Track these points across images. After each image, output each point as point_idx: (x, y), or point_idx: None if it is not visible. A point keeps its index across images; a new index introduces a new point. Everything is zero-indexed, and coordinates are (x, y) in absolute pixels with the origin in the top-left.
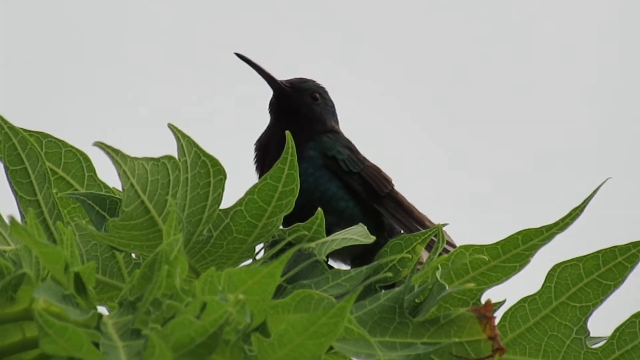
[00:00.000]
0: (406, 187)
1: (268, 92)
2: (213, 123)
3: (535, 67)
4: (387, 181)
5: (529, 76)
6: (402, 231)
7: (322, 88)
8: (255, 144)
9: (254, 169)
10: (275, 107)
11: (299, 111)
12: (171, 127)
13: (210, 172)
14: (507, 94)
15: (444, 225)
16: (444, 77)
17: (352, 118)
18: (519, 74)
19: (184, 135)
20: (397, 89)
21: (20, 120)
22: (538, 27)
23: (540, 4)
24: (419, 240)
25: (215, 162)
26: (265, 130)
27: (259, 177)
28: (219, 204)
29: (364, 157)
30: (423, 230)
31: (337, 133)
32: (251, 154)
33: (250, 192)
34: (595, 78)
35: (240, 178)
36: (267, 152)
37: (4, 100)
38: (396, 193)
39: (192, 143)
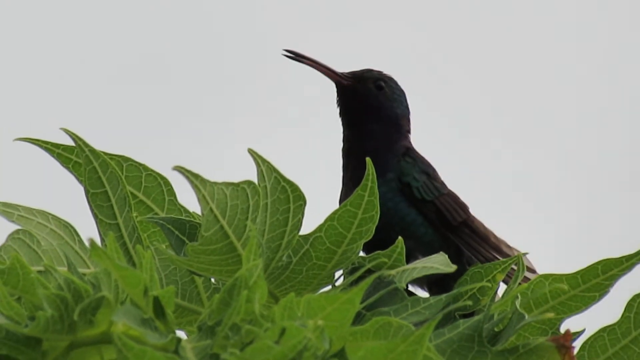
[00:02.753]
0: (486, 210)
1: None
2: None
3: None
4: (462, 209)
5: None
6: (477, 259)
7: (388, 76)
8: (341, 151)
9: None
10: (340, 104)
11: (365, 104)
12: (251, 152)
13: (290, 197)
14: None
15: (524, 254)
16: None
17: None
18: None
19: (264, 161)
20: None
21: (106, 143)
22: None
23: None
24: (499, 269)
25: (295, 188)
26: (343, 136)
27: (343, 192)
28: (299, 230)
29: (442, 184)
30: (503, 259)
31: (416, 156)
32: (330, 177)
33: (330, 218)
34: None
35: (321, 202)
36: (347, 162)
37: (91, 122)
38: (472, 220)
39: (272, 168)
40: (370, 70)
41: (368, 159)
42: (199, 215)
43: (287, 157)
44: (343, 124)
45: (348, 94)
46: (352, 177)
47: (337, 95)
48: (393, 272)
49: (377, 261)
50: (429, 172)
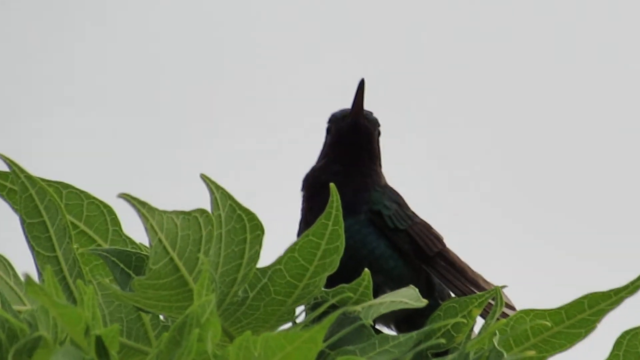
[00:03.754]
0: (460, 241)
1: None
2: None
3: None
4: (437, 239)
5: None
6: (452, 293)
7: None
8: (304, 181)
9: (301, 211)
10: (347, 138)
11: (367, 144)
12: (204, 178)
13: (246, 227)
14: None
15: (503, 287)
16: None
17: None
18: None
19: (218, 187)
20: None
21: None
22: None
23: None
24: (475, 304)
25: (252, 217)
26: (321, 166)
27: (306, 224)
28: (256, 262)
29: (413, 213)
30: (480, 293)
31: (384, 186)
32: (293, 206)
33: (290, 249)
34: None
35: (280, 232)
36: (319, 193)
37: (29, 147)
38: (447, 251)
39: (226, 195)
40: (372, 113)
41: (332, 185)
42: (147, 247)
43: (244, 186)
44: (330, 156)
45: (360, 131)
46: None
47: (347, 129)
48: (359, 307)
49: (342, 296)
50: (399, 201)
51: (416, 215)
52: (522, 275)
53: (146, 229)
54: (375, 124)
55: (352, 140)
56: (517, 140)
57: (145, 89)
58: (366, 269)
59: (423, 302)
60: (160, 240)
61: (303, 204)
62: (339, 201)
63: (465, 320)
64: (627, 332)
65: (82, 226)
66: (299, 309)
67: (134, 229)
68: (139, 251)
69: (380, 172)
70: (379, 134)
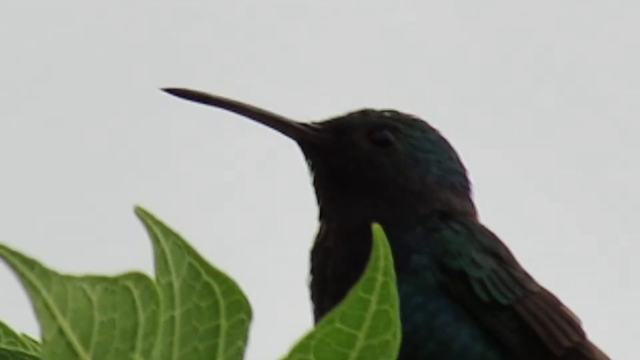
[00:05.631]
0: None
1: None
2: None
3: None
4: (570, 324)
5: None
6: None
7: (408, 119)
8: (310, 256)
9: (311, 302)
10: (312, 172)
11: (350, 172)
12: (140, 212)
13: (219, 305)
14: None
15: None
16: None
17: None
18: None
19: (168, 232)
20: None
21: None
22: None
23: None
24: None
25: (230, 287)
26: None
27: (320, 310)
28: None
29: (526, 275)
30: None
31: (468, 222)
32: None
33: (300, 347)
34: None
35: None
36: (324, 259)
37: None
38: (590, 348)
39: (184, 247)
40: (364, 113)
41: (376, 226)
42: (38, 344)
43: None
44: (319, 201)
45: (319, 158)
46: (335, 277)
47: (305, 159)
48: None
49: None
50: (498, 250)
51: (531, 280)
52: None
53: (35, 310)
54: (351, 130)
55: (316, 175)
56: None
57: None
58: None
59: None
60: (61, 330)
61: (312, 293)
62: (390, 256)
63: None
64: None
65: None
66: None
67: (15, 309)
68: (21, 350)
69: (448, 195)
70: (380, 142)
